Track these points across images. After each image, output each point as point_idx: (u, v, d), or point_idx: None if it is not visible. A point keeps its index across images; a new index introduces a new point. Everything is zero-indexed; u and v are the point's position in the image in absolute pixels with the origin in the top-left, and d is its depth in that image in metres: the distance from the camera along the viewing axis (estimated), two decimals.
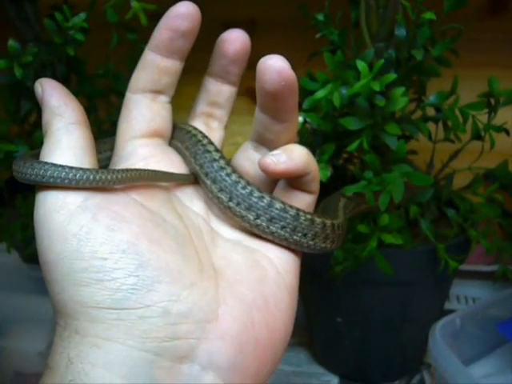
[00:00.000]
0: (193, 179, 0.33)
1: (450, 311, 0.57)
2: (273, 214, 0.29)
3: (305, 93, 0.44)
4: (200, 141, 0.32)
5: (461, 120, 0.46)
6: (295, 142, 0.32)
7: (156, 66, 0.32)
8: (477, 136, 0.48)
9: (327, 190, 0.41)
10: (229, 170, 0.31)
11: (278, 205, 0.29)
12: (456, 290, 0.66)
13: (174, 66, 0.32)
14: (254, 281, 0.28)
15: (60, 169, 0.26)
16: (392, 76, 0.39)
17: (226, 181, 0.30)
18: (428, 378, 0.56)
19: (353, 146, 0.42)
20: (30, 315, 0.59)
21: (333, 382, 0.57)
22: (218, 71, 0.34)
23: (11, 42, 0.50)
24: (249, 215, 0.30)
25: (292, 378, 0.57)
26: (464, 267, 0.53)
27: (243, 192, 0.30)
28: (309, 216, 0.30)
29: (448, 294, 0.56)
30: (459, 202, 0.50)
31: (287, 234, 0.30)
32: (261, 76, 0.28)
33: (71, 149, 0.28)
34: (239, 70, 0.34)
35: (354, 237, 0.46)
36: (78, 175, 0.26)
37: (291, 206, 0.30)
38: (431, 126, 0.49)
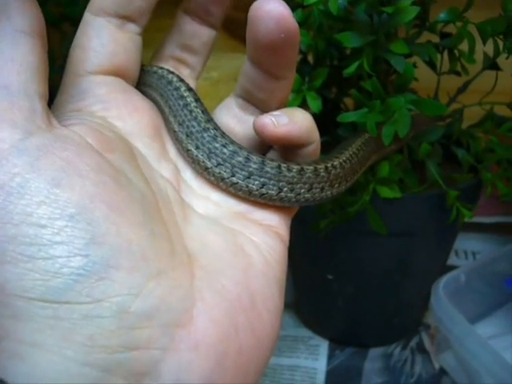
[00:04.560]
0: None
1: (449, 267, 0.52)
2: (251, 169, 0.25)
3: (293, 6, 0.37)
4: (183, 97, 0.27)
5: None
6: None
7: None
8: (490, 64, 0.42)
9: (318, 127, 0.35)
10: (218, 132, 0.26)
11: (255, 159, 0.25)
12: (454, 244, 0.61)
13: None
14: (238, 271, 0.23)
15: None
16: None
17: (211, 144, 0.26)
18: (427, 340, 0.51)
19: (351, 68, 0.35)
20: None
21: (322, 346, 0.51)
22: (195, 9, 0.28)
23: None
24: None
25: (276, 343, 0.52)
26: None
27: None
28: (293, 166, 0.26)
29: (452, 248, 0.50)
30: (470, 141, 0.44)
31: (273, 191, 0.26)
32: (254, 25, 0.23)
33: (15, 66, 0.20)
34: (222, 10, 0.28)
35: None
36: None
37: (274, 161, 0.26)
38: None
